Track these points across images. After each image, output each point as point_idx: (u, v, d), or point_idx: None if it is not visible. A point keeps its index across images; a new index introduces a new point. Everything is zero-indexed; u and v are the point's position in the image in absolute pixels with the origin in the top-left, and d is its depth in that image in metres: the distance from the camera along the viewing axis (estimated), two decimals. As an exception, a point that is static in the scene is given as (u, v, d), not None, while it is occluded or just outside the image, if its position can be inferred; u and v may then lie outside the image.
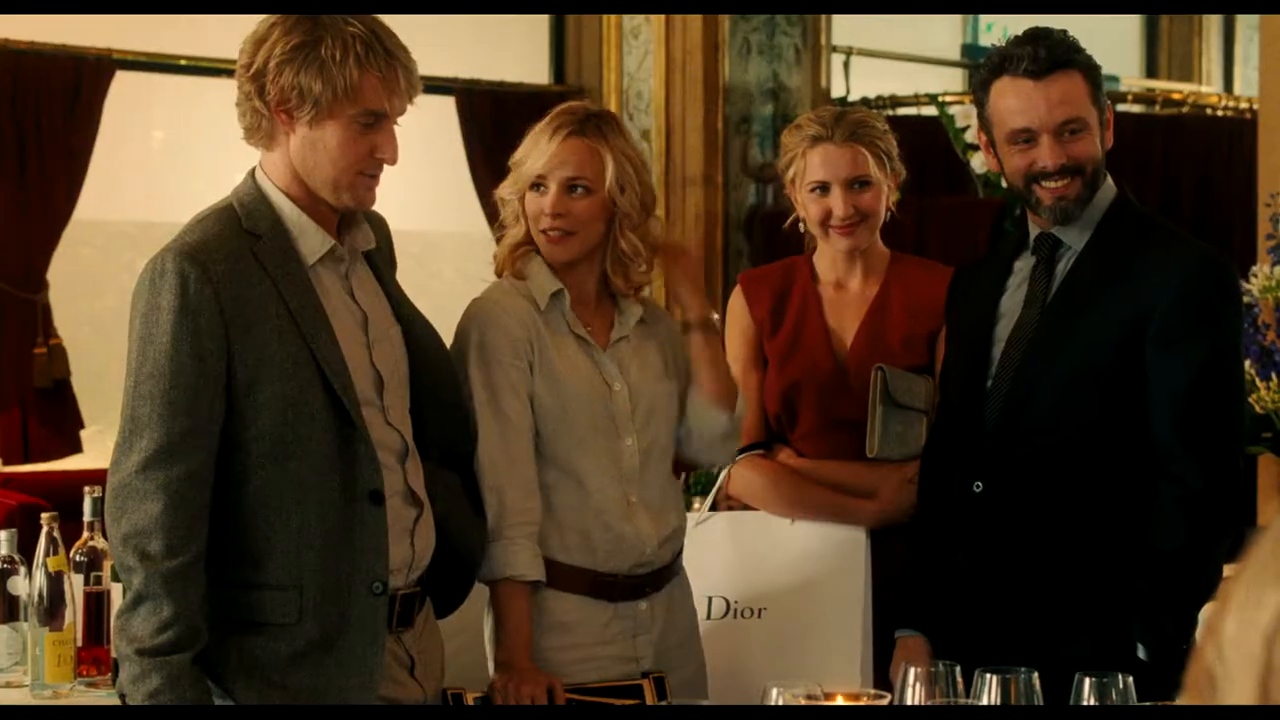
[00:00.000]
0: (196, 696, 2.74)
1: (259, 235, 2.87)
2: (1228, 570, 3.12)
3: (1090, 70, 3.19)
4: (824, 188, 3.54)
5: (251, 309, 2.80)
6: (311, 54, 2.82)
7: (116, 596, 3.33)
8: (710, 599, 3.60)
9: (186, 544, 2.75)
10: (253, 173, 2.97)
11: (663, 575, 3.33)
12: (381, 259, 3.08)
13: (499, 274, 3.33)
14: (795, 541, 3.60)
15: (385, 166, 2.93)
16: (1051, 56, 3.18)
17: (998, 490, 3.22)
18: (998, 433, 3.25)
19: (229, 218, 2.89)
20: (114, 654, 2.89)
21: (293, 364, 2.81)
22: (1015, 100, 3.20)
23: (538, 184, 3.25)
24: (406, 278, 3.22)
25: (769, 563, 3.61)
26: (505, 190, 3.31)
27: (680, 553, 3.39)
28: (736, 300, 3.74)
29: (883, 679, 3.26)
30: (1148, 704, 2.41)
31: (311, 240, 2.91)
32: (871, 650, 3.49)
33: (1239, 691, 1.03)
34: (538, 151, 3.26)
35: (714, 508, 3.71)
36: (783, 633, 3.53)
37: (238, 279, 2.81)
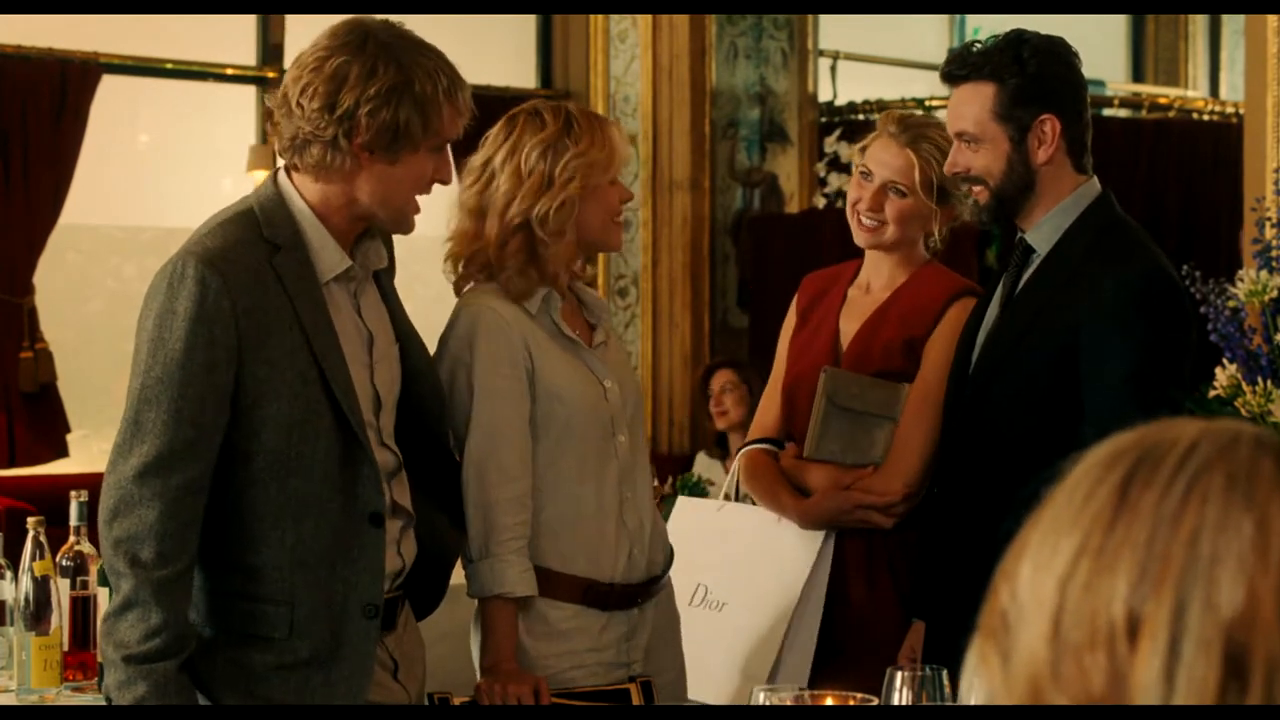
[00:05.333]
0: (182, 704, 2.74)
1: (279, 246, 2.83)
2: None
3: (1010, 82, 3.17)
4: (868, 175, 3.58)
5: (267, 322, 2.78)
6: (406, 93, 2.81)
7: (103, 601, 3.32)
8: (697, 585, 3.64)
9: (179, 553, 2.74)
10: (274, 177, 2.92)
11: (652, 585, 3.33)
12: (387, 275, 3.07)
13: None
14: (767, 535, 3.64)
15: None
16: (960, 64, 3.22)
17: (947, 493, 3.28)
18: (952, 440, 3.30)
19: (249, 223, 2.85)
20: (100, 658, 2.89)
21: (301, 382, 2.79)
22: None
23: (615, 178, 3.30)
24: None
25: (743, 554, 3.65)
26: (559, 206, 3.22)
27: (670, 564, 3.39)
28: (795, 297, 3.81)
29: (829, 675, 3.29)
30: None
31: (330, 257, 2.88)
32: (813, 647, 3.51)
33: (1031, 630, 1.10)
34: (620, 144, 3.29)
35: (735, 498, 3.77)
36: (725, 623, 3.55)
37: (256, 291, 2.78)
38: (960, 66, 3.21)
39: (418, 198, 2.93)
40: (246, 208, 2.88)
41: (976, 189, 3.23)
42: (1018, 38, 3.21)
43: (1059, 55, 3.22)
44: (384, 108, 2.80)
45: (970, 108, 3.20)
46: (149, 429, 2.73)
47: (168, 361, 2.73)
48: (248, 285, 2.77)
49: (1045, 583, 1.10)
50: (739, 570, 3.63)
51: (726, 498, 3.80)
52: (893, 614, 3.51)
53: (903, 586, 3.52)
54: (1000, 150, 3.19)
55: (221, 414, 2.76)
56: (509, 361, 3.16)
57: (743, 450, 3.74)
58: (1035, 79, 3.18)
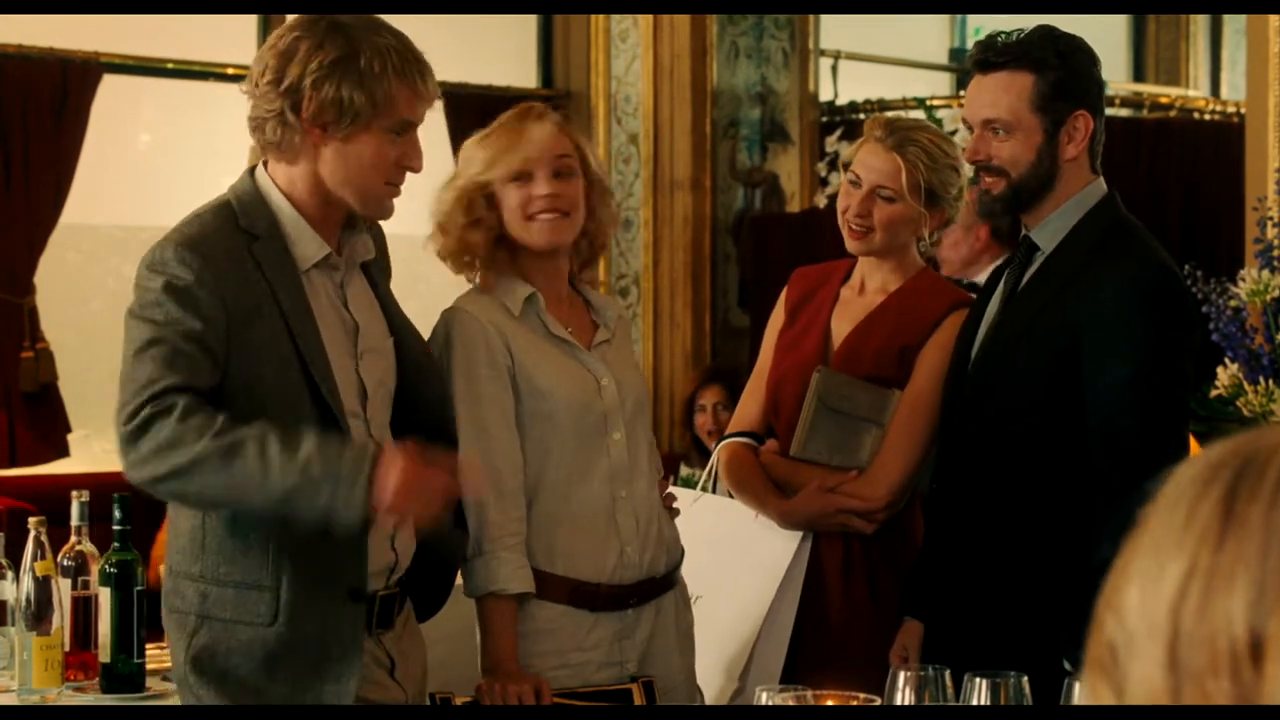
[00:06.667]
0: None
1: (256, 235, 2.86)
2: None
3: (1049, 74, 3.17)
4: (856, 181, 3.57)
5: (248, 307, 2.79)
6: (351, 67, 2.82)
7: (104, 601, 3.32)
8: None
9: (212, 416, 2.70)
10: (251, 172, 2.95)
11: (650, 587, 3.31)
12: (377, 269, 3.08)
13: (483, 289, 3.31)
14: (744, 531, 3.64)
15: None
16: (998, 53, 3.19)
17: (946, 491, 3.28)
18: (950, 435, 3.30)
19: (226, 214, 2.88)
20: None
21: (284, 365, 2.80)
22: (968, 91, 3.26)
23: (520, 175, 3.23)
24: (394, 281, 3.22)
25: (719, 548, 3.65)
26: (455, 199, 3.26)
27: (676, 567, 3.38)
28: (783, 292, 3.79)
29: (799, 676, 3.29)
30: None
31: (307, 246, 2.90)
32: (786, 646, 3.52)
33: (1145, 660, 1.06)
34: (522, 142, 3.24)
35: (713, 490, 3.76)
36: (698, 616, 3.54)
37: (237, 276, 2.80)
38: (997, 54, 3.19)
39: (396, 184, 2.92)
40: (223, 201, 2.92)
41: (991, 179, 3.21)
42: (1051, 32, 3.21)
43: (1089, 53, 3.24)
44: (326, 81, 2.81)
45: (1007, 96, 3.18)
46: (143, 380, 2.72)
47: (159, 327, 2.73)
48: (228, 270, 2.79)
49: (1155, 609, 1.06)
50: (714, 564, 3.62)
51: (703, 489, 3.80)
52: (867, 618, 3.51)
53: (878, 590, 3.52)
54: (1032, 141, 3.18)
55: (214, 376, 2.75)
56: (487, 363, 3.17)
57: (723, 443, 3.74)
58: (1073, 74, 3.18)
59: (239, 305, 2.78)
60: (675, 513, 3.42)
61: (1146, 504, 1.10)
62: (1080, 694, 1.12)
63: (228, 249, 2.81)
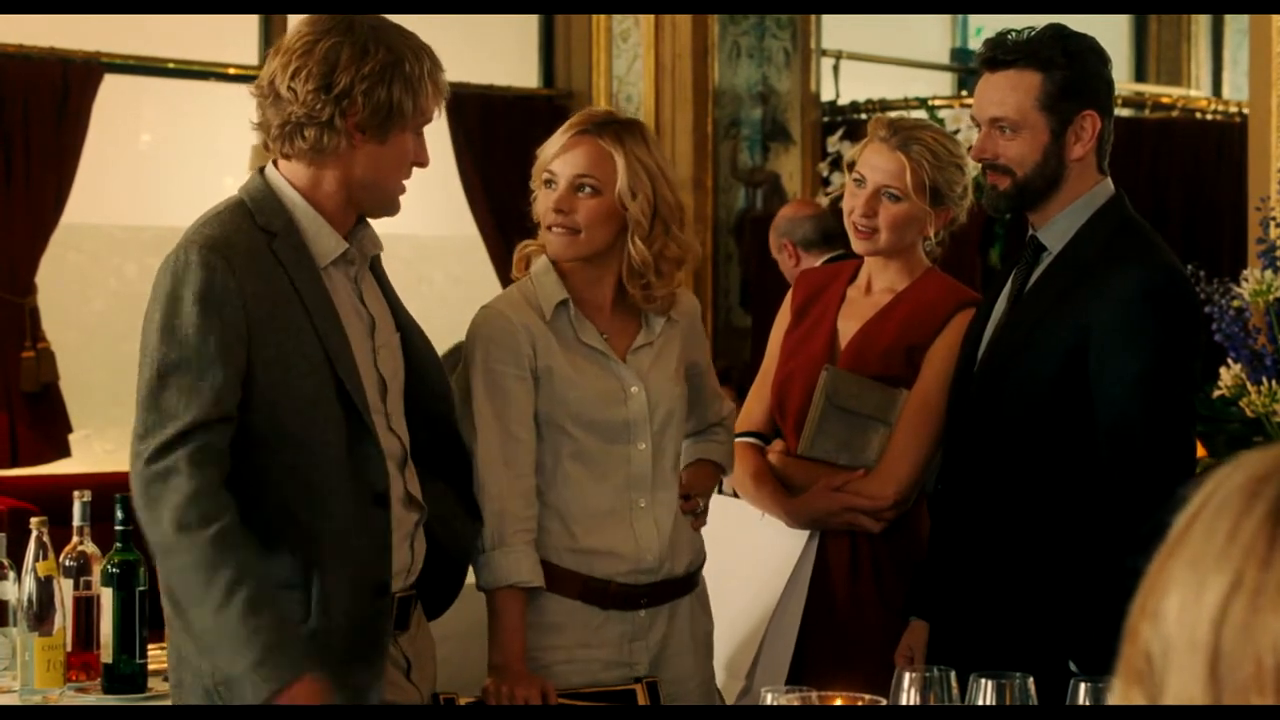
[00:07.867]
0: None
1: (274, 233, 2.86)
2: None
3: (1057, 74, 3.16)
4: (861, 181, 3.57)
5: (273, 305, 2.80)
6: (398, 72, 2.84)
7: (106, 601, 3.32)
8: None
9: (220, 511, 2.72)
10: (262, 171, 2.95)
11: (665, 589, 3.30)
12: (379, 263, 3.08)
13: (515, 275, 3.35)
14: (750, 530, 3.64)
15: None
16: (1006, 51, 3.19)
17: (952, 491, 3.28)
18: (956, 435, 3.29)
19: (243, 213, 2.88)
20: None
21: (310, 363, 2.81)
22: (976, 89, 3.27)
23: (549, 180, 3.24)
24: (396, 281, 3.22)
25: (725, 547, 3.64)
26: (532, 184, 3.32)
27: (697, 571, 3.38)
28: (789, 293, 3.80)
29: (806, 675, 3.29)
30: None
31: (325, 242, 2.90)
32: (792, 645, 3.52)
33: (1185, 674, 1.06)
34: (551, 146, 3.25)
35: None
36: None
37: (259, 274, 2.80)
38: (1005, 52, 3.19)
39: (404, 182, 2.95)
40: (237, 200, 2.91)
41: (997, 177, 3.22)
42: (1060, 31, 3.21)
43: (1099, 53, 3.23)
44: (379, 86, 2.83)
45: (1014, 95, 3.18)
46: (170, 412, 2.73)
47: (183, 346, 2.74)
48: (251, 269, 2.79)
49: (1196, 622, 1.06)
50: (721, 563, 3.62)
51: None
52: (874, 616, 3.51)
53: (885, 589, 3.52)
54: (1039, 141, 3.18)
55: (236, 394, 2.76)
56: (513, 362, 3.18)
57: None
58: (1081, 74, 3.18)
59: (263, 305, 2.78)
60: (699, 524, 3.41)
61: (1178, 510, 1.09)
62: (1110, 700, 1.11)
63: (249, 247, 2.82)
